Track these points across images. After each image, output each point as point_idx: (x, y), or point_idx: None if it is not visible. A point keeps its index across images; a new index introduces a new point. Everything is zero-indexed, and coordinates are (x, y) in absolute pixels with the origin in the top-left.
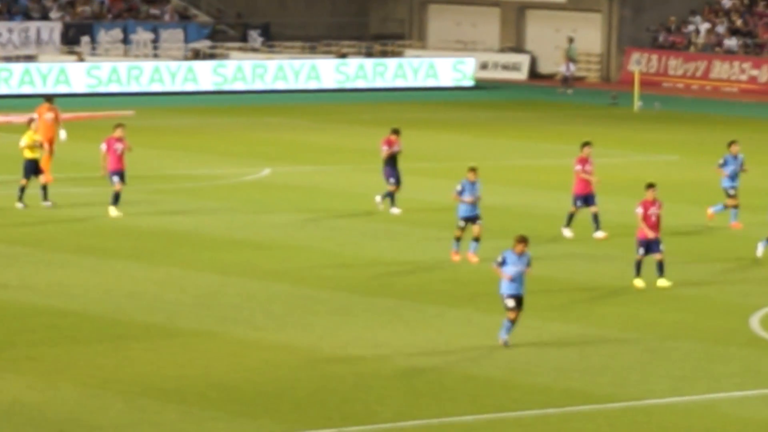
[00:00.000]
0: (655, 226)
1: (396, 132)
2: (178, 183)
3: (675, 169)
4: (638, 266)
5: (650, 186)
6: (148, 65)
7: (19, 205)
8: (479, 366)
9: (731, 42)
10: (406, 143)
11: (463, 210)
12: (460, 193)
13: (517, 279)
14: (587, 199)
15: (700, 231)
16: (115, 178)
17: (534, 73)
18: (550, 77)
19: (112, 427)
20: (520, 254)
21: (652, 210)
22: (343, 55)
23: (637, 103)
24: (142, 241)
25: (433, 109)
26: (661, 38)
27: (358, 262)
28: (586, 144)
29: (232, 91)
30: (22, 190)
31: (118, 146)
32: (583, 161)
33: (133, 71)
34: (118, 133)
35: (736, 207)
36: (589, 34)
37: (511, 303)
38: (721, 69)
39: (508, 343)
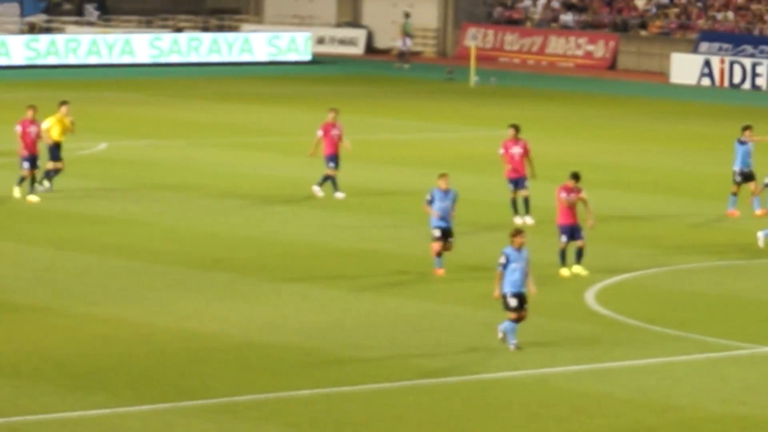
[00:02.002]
0: (574, 212)
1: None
2: (12, 157)
3: None
4: (563, 254)
5: (574, 176)
6: None
7: (40, 188)
8: (315, 341)
9: (567, 17)
10: (239, 118)
11: (435, 222)
12: (430, 202)
13: (520, 276)
14: (518, 183)
15: (535, 207)
16: (26, 164)
17: (371, 48)
18: (386, 52)
19: None
20: (519, 249)
21: (572, 195)
22: (179, 29)
23: (473, 78)
24: None
25: (268, 83)
26: (497, 13)
27: (194, 237)
28: (511, 126)
29: (45, 66)
30: (55, 172)
31: (32, 129)
32: (510, 145)
33: None
34: (30, 114)
35: None
36: (425, 9)
37: (514, 302)
38: (557, 44)
39: (518, 345)
